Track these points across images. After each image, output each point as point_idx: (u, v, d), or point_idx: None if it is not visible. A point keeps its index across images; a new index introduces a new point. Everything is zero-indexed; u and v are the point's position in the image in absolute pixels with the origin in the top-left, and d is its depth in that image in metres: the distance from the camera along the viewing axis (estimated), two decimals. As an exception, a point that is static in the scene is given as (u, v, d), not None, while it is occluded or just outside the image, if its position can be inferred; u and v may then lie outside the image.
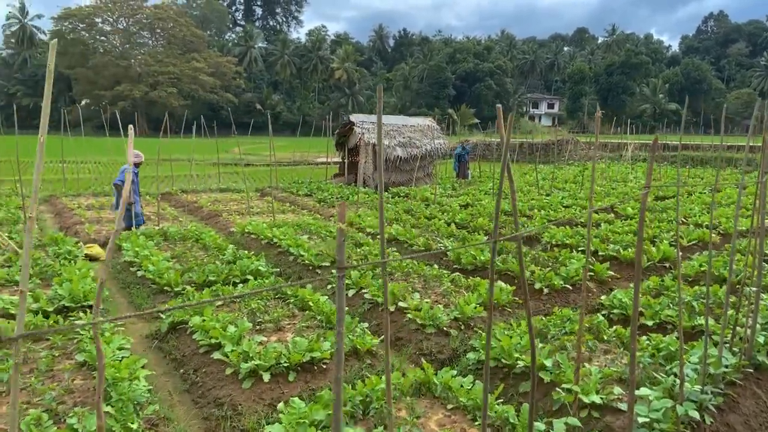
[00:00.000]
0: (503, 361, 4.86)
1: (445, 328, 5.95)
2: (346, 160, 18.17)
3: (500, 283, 7.11)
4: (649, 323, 6.02)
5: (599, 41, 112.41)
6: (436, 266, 8.08)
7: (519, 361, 4.76)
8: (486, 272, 8.15)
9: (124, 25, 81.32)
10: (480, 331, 5.93)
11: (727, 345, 4.83)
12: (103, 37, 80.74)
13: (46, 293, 6.01)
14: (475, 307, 6.31)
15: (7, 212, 11.22)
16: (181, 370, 5.03)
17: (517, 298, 7.06)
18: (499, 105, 3.00)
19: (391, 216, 11.81)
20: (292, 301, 6.23)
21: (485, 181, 19.82)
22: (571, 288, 7.52)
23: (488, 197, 15.31)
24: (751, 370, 4.89)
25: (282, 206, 14.03)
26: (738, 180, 19.77)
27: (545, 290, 7.34)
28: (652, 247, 9.30)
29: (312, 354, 4.77)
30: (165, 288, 6.85)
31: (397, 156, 16.80)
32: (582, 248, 9.43)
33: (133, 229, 9.90)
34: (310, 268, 8.11)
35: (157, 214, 11.28)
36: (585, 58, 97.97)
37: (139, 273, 7.33)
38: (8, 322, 5.23)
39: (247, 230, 9.97)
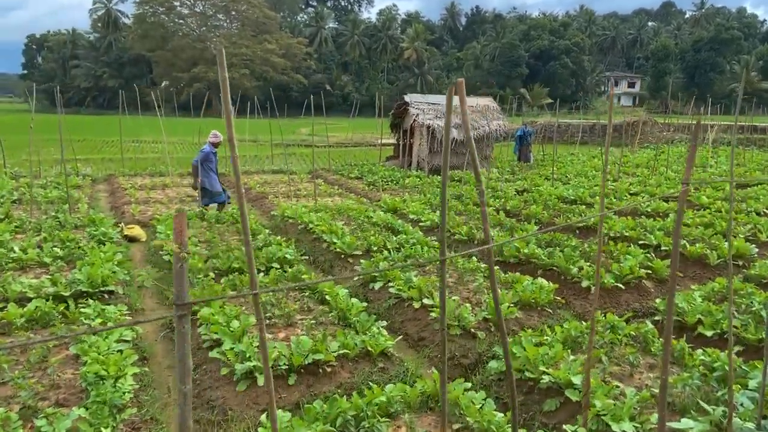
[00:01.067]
0: (527, 374, 4.31)
1: (472, 330, 5.43)
2: (400, 143, 17.64)
3: (541, 281, 6.46)
4: (708, 333, 5.25)
5: (687, 15, 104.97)
6: (474, 258, 7.51)
7: (545, 376, 4.19)
8: (530, 267, 7.50)
9: (201, 8, 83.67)
10: (511, 335, 5.36)
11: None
12: (181, 20, 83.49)
13: (66, 276, 5.96)
14: (509, 307, 5.74)
15: (61, 191, 11.50)
16: (185, 365, 4.80)
17: (559, 298, 6.40)
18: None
19: (429, 201, 11.24)
20: (307, 294, 5.89)
21: (548, 164, 18.76)
22: (623, 288, 6.76)
23: (548, 183, 14.40)
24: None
25: (330, 189, 13.76)
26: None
27: (593, 288, 6.62)
28: (724, 242, 8.29)
29: (315, 356, 4.40)
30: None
31: (453, 138, 16.08)
32: (643, 241, 8.55)
33: (209, 207, 10.23)
34: (342, 256, 7.75)
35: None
36: (671, 34, 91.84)
37: (166, 257, 7.22)
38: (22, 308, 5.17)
39: (286, 214, 9.73)
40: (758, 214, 10.89)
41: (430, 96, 18.31)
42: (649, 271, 7.25)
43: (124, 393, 3.71)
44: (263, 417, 3.75)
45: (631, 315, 5.98)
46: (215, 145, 10.35)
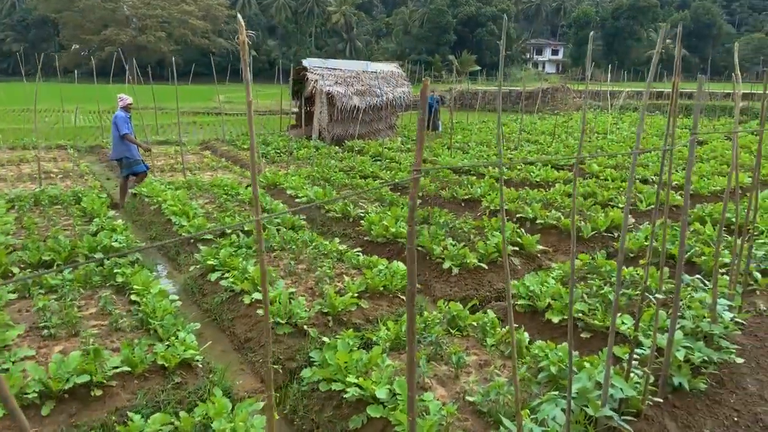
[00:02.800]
0: (333, 386, 3.70)
1: (305, 327, 4.79)
2: (302, 111, 16.71)
3: (397, 264, 5.90)
4: (555, 320, 4.83)
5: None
6: (337, 239, 6.87)
7: (352, 388, 3.59)
8: (396, 247, 6.94)
9: (110, -36, 77.92)
10: (338, 333, 4.77)
11: (633, 363, 3.64)
12: (88, -22, 77.53)
13: None
14: (352, 297, 5.14)
15: None
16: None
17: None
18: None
19: (321, 174, 10.50)
20: (108, 293, 5.05)
21: (456, 132, 18.35)
22: (486, 267, 6.31)
23: (450, 152, 13.94)
24: (661, 400, 3.73)
25: (215, 162, 12.75)
26: (730, 131, 18.11)
27: (455, 270, 6.15)
28: (600, 213, 8.04)
29: (79, 378, 3.62)
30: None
31: (354, 106, 15.32)
32: (521, 215, 8.18)
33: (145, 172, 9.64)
34: (192, 241, 6.92)
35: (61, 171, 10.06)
36: (592, 2, 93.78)
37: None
38: None
39: (143, 192, 8.74)
40: (644, 181, 10.82)
41: (330, 61, 17.38)
42: (517, 248, 6.85)
43: None
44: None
45: (477, 302, 5.52)
46: (127, 108, 9.47)
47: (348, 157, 13.09)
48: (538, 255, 6.96)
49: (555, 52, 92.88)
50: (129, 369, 3.89)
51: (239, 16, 1.82)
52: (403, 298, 5.61)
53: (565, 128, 18.48)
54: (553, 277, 5.50)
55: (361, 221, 7.56)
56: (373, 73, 16.60)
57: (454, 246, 6.45)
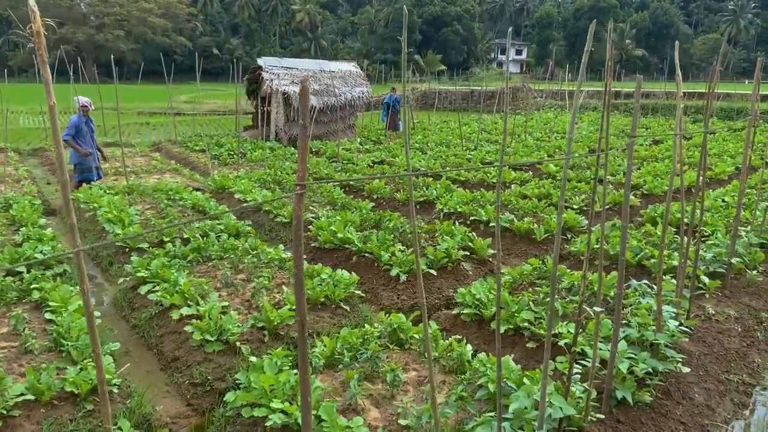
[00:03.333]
0: (256, 412, 3.42)
1: (238, 343, 4.49)
2: (258, 111, 16.27)
3: (340, 273, 5.63)
4: (501, 329, 4.64)
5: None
6: (282, 246, 6.56)
7: (275, 414, 3.32)
8: (345, 253, 6.68)
9: (65, -41, 75.66)
10: (282, 346, 4.49)
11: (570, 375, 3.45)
12: (42, -26, 75.09)
13: None
14: (291, 309, 4.85)
15: None
16: None
17: (358, 292, 5.61)
18: None
19: (273, 177, 10.15)
20: (21, 310, 4.65)
21: (417, 132, 18.19)
22: (436, 274, 6.10)
23: (410, 153, 13.72)
24: (604, 416, 3.56)
25: (164, 164, 12.27)
26: (686, 130, 18.42)
27: (402, 277, 5.92)
28: (553, 215, 7.92)
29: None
30: None
31: (312, 106, 14.98)
32: (475, 217, 8.01)
33: (94, 181, 9.22)
34: (126, 250, 6.51)
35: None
36: (554, 2, 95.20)
37: None
38: None
39: (80, 198, 8.26)
40: (601, 181, 10.80)
41: (286, 59, 17.00)
42: (468, 253, 6.67)
43: None
44: None
45: (417, 314, 5.29)
46: (85, 112, 9.07)
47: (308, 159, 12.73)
48: (490, 259, 6.79)
49: (519, 52, 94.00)
50: (34, 397, 3.53)
51: (31, 0, 1.53)
52: (346, 308, 5.36)
53: (525, 128, 18.48)
54: (504, 281, 5.31)
55: (310, 226, 7.27)
56: (330, 73, 16.28)
57: (402, 252, 6.22)
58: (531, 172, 11.53)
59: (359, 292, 5.59)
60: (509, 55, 3.71)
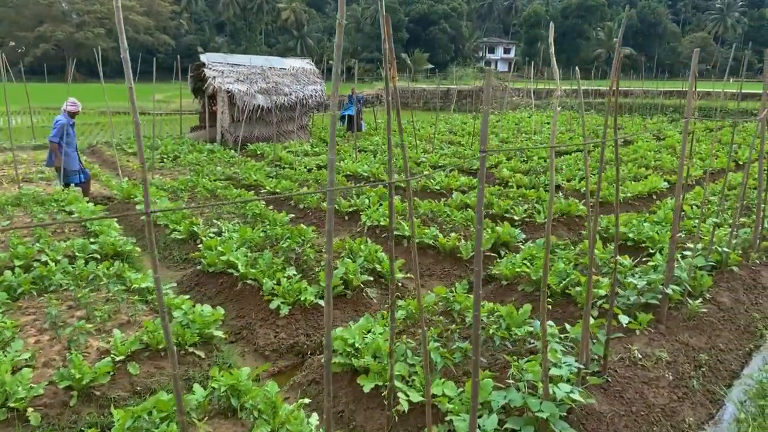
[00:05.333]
0: None
1: (30, 410, 3.54)
2: (206, 110, 15.27)
3: (200, 308, 4.68)
4: (367, 388, 3.71)
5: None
6: (149, 271, 5.60)
7: None
8: (231, 279, 5.73)
9: (44, -44, 74.31)
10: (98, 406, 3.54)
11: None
12: (21, -29, 73.80)
13: None
14: (116, 359, 3.92)
15: None
16: None
17: (221, 334, 4.66)
18: None
19: (185, 186, 9.16)
20: None
21: (379, 133, 17.25)
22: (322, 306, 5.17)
23: (357, 156, 12.80)
24: None
25: (88, 168, 11.24)
26: (661, 129, 17.50)
27: (284, 310, 4.98)
28: (488, 229, 7.02)
29: None
30: None
31: (258, 105, 14.00)
32: (397, 232, 7.08)
33: (72, 186, 8.66)
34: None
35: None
36: (542, 1, 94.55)
37: None
38: None
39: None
40: (556, 187, 9.92)
41: (233, 56, 16.02)
42: (375, 277, 5.75)
43: None
44: None
45: (266, 367, 4.40)
46: (73, 114, 8.84)
47: (241, 162, 11.79)
48: (400, 284, 5.87)
49: (507, 51, 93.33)
50: None
51: None
52: (201, 354, 4.42)
53: (494, 128, 17.60)
54: (384, 324, 4.39)
55: (200, 245, 6.32)
56: (281, 70, 15.30)
57: (288, 280, 5.28)
58: (473, 177, 10.62)
59: (220, 333, 4.64)
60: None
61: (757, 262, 6.26)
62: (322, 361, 4.22)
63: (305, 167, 11.32)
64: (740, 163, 12.18)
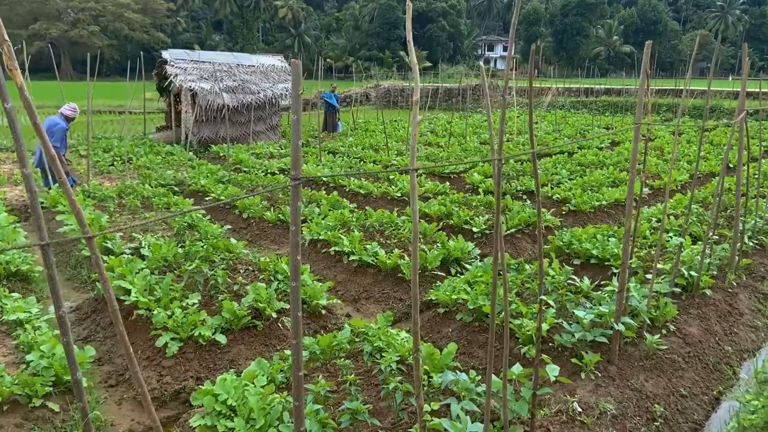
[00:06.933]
0: None
1: None
2: (172, 110, 14.55)
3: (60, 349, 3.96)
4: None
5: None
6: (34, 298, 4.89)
7: None
8: (126, 309, 5.01)
9: (37, -48, 73.67)
10: None
11: None
12: (14, -32, 73.17)
13: None
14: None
15: None
16: None
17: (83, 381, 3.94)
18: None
19: (100, 194, 8.39)
20: None
21: (359, 133, 16.51)
22: (229, 340, 4.45)
23: (331, 158, 12.07)
24: None
25: (35, 172, 10.57)
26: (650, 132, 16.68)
27: (173, 348, 4.26)
28: (447, 241, 6.29)
29: None
30: None
31: (223, 104, 13.27)
32: (336, 248, 6.34)
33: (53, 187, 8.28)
34: None
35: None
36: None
37: None
38: None
39: None
40: (522, 195, 9.18)
41: (199, 52, 15.30)
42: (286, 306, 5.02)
43: None
44: None
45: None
46: (70, 120, 8.67)
47: (196, 165, 11.05)
48: (323, 311, 5.13)
49: (507, 49, 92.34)
50: None
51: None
52: (54, 408, 3.69)
53: (478, 128, 16.85)
54: (279, 368, 3.65)
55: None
56: (249, 68, 14.57)
57: (184, 310, 4.55)
58: (448, 183, 9.88)
59: (85, 378, 3.92)
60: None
61: (734, 284, 5.52)
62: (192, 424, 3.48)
63: (265, 171, 10.59)
64: (731, 166, 11.43)
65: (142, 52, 14.26)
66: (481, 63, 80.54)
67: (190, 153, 12.01)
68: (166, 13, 78.55)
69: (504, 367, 3.13)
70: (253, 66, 14.76)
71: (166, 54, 14.11)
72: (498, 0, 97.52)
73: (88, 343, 4.81)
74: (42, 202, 8.10)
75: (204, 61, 14.03)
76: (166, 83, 13.78)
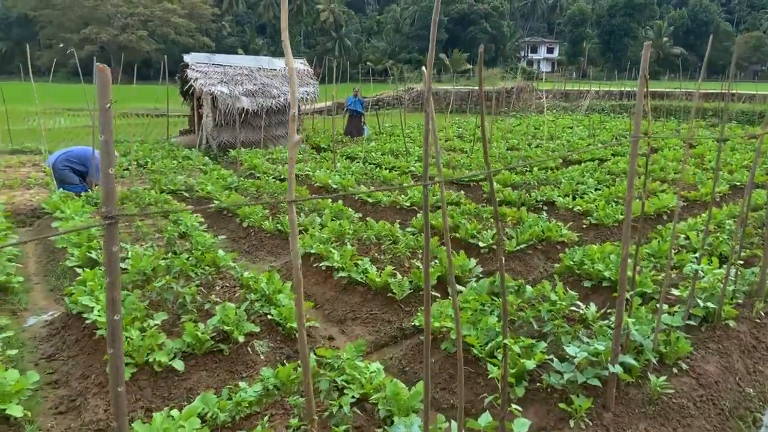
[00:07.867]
0: None
1: None
2: (195, 113, 14.48)
3: (2, 374, 3.69)
4: None
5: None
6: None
7: None
8: (91, 327, 4.75)
9: (89, -39, 76.43)
10: None
11: None
12: (67, -26, 76.13)
13: None
14: None
15: None
16: None
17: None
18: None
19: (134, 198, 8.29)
20: None
21: (384, 139, 16.14)
22: (188, 366, 4.12)
23: (345, 163, 11.73)
24: None
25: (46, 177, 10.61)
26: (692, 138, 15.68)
27: (126, 374, 3.95)
28: (438, 259, 5.82)
29: None
30: None
31: (243, 108, 13.12)
32: (326, 263, 5.97)
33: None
34: None
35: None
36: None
37: None
38: None
39: None
40: (542, 206, 8.61)
41: (218, 56, 15.18)
42: (271, 325, 4.66)
43: None
44: None
45: None
46: None
47: (211, 170, 10.88)
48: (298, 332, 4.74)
49: (550, 50, 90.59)
50: None
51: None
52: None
53: (508, 132, 16.23)
54: (213, 406, 3.28)
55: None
56: (271, 71, 14.40)
57: (142, 333, 4.24)
58: (465, 192, 9.39)
59: (18, 409, 3.64)
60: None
61: (763, 313, 4.86)
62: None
63: (277, 177, 10.33)
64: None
65: (183, 55, 14.34)
66: (525, 65, 79.09)
67: (206, 158, 11.88)
68: (211, 18, 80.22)
69: (502, 412, 2.67)
70: (275, 70, 14.59)
71: (187, 58, 14.08)
72: (542, 1, 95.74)
73: (53, 362, 4.60)
74: (44, 207, 8.03)
75: (225, 65, 13.94)
76: (187, 87, 13.73)
